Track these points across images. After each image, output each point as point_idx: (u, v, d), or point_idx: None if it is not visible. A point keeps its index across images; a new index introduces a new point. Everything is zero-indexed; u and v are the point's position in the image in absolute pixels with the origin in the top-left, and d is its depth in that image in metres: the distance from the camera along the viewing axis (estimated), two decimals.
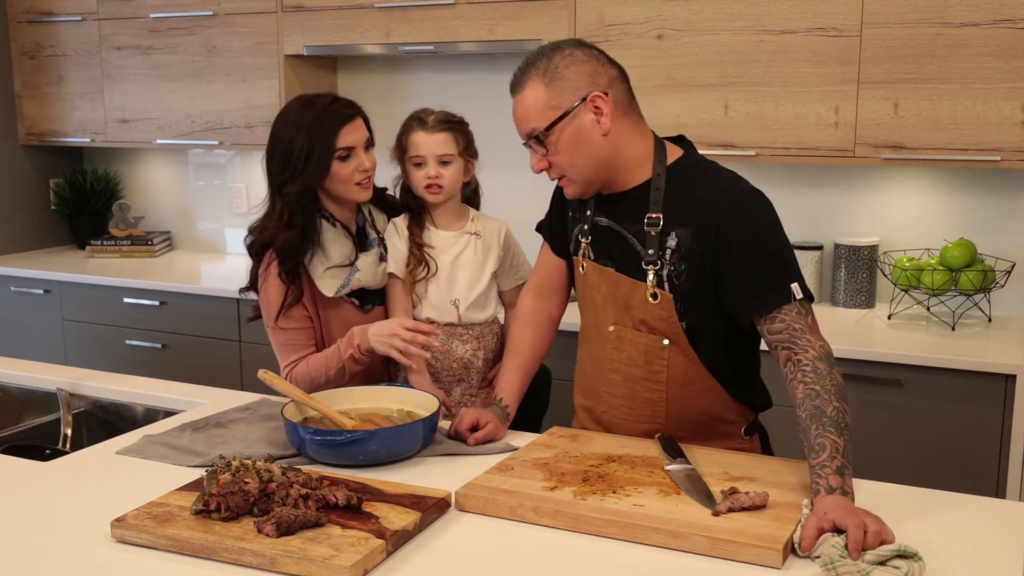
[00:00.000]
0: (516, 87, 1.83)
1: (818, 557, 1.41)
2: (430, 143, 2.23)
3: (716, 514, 1.51)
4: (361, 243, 2.28)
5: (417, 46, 3.47)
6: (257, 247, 2.22)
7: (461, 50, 3.45)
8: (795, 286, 1.73)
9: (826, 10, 2.92)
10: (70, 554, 1.47)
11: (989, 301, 3.05)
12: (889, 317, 3.09)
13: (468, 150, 2.30)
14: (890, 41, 2.86)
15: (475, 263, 2.30)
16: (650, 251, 1.81)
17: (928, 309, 3.07)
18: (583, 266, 1.95)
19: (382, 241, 2.30)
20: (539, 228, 2.14)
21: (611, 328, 1.90)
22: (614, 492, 1.61)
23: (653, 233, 1.81)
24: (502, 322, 2.37)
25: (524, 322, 2.13)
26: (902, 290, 3.03)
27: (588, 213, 1.93)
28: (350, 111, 2.20)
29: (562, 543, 1.50)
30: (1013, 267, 3.02)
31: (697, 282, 1.79)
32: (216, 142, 3.94)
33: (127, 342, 3.86)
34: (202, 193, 4.46)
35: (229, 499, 1.50)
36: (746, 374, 1.93)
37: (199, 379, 2.66)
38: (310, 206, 2.19)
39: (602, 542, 1.49)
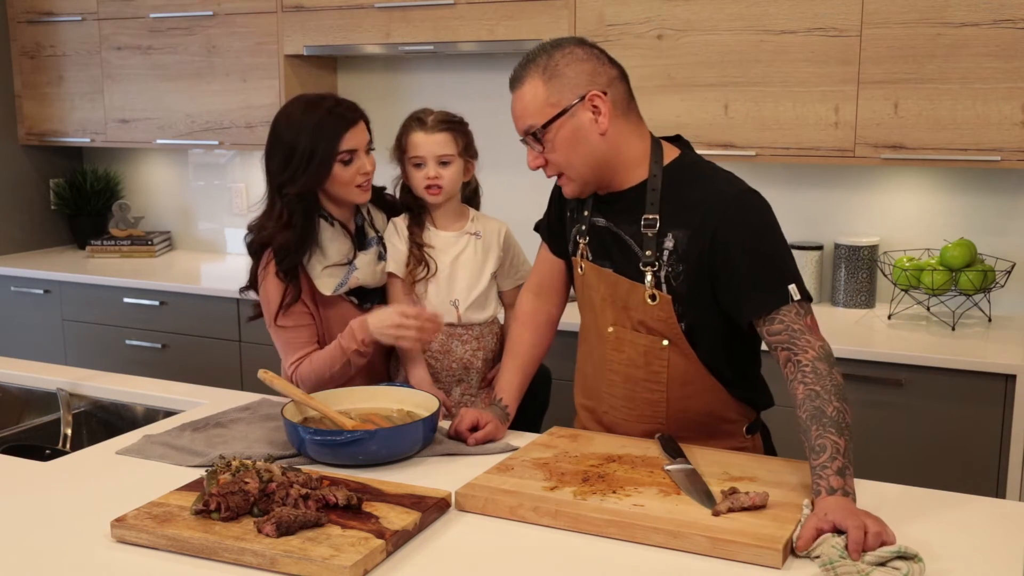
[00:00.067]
0: (515, 83, 1.82)
1: (818, 557, 1.40)
2: (429, 143, 2.23)
3: (716, 514, 1.51)
4: (360, 242, 2.28)
5: (417, 46, 3.47)
6: (256, 246, 2.22)
7: (461, 50, 3.45)
8: (792, 287, 1.72)
9: (826, 10, 2.92)
10: (70, 554, 1.47)
11: (989, 301, 3.05)
12: (889, 317, 3.09)
13: (468, 150, 2.30)
14: (890, 41, 2.86)
15: (475, 263, 2.30)
16: (647, 252, 1.81)
17: (928, 309, 3.07)
18: (581, 267, 1.95)
19: (381, 240, 2.30)
20: (537, 227, 2.13)
21: (610, 329, 1.90)
22: (614, 492, 1.61)
23: (650, 234, 1.81)
24: (502, 322, 2.37)
25: (523, 322, 2.13)
26: (902, 290, 3.03)
27: (586, 213, 1.93)
28: (354, 115, 2.19)
29: (562, 543, 1.49)
30: (1013, 267, 3.02)
31: (695, 283, 1.79)
32: (216, 142, 3.94)
33: (127, 342, 3.86)
34: (202, 193, 4.47)
35: (229, 499, 1.50)
36: (746, 373, 1.93)
37: (199, 379, 2.66)
38: (310, 207, 2.19)
39: (602, 542, 1.49)
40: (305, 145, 2.13)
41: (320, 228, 2.21)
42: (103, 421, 2.36)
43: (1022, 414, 2.57)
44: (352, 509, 1.53)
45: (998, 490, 2.63)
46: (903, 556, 1.36)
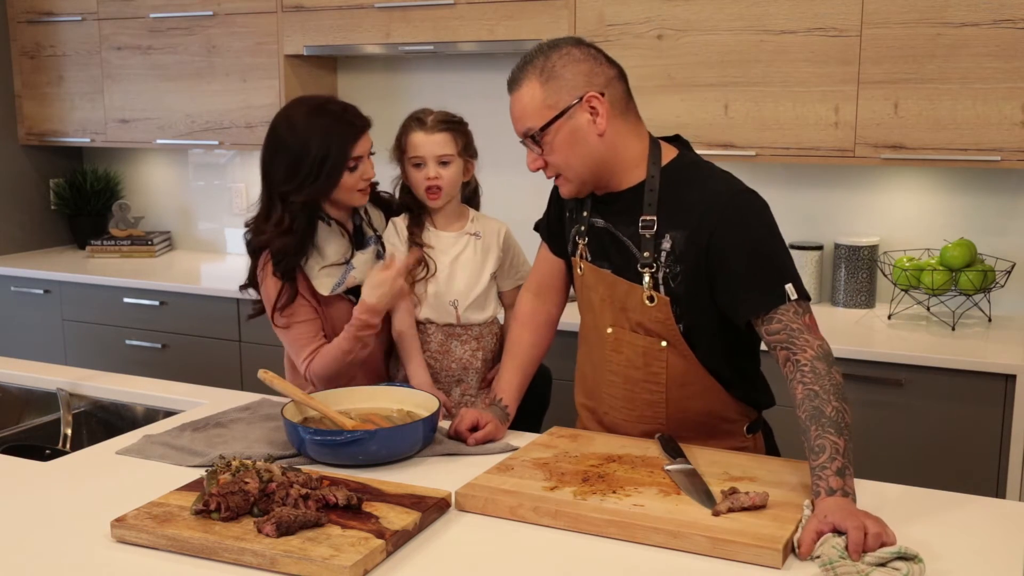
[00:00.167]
0: (513, 85, 1.82)
1: (818, 557, 1.40)
2: (429, 143, 2.23)
3: (716, 514, 1.51)
4: (358, 241, 2.28)
5: (417, 46, 3.47)
6: (254, 246, 2.22)
7: (461, 50, 3.45)
8: (789, 286, 1.72)
9: (826, 10, 2.92)
10: (70, 554, 1.47)
11: (989, 301, 3.05)
12: (889, 317, 3.08)
13: (467, 150, 2.30)
14: (890, 41, 2.86)
15: (474, 264, 2.30)
16: (645, 253, 1.81)
17: (928, 309, 3.07)
18: (580, 267, 1.94)
19: (379, 239, 2.30)
20: (537, 227, 2.13)
21: (609, 330, 1.90)
22: (614, 492, 1.61)
23: (648, 235, 1.80)
24: (502, 323, 2.37)
25: (523, 322, 2.12)
26: (902, 290, 3.03)
27: (585, 214, 1.93)
28: (362, 122, 2.18)
29: (562, 543, 1.49)
30: (1013, 267, 3.02)
31: (693, 284, 1.79)
32: (216, 142, 3.94)
33: (127, 342, 3.86)
34: (202, 193, 4.47)
35: (229, 499, 1.50)
36: (746, 373, 1.93)
37: (199, 379, 2.66)
38: (312, 214, 2.18)
39: (602, 542, 1.49)
40: (315, 153, 2.10)
41: (317, 228, 2.21)
42: (103, 421, 2.36)
43: (1022, 414, 2.57)
44: (352, 509, 1.53)
45: (998, 490, 2.63)
46: (903, 556, 1.36)
